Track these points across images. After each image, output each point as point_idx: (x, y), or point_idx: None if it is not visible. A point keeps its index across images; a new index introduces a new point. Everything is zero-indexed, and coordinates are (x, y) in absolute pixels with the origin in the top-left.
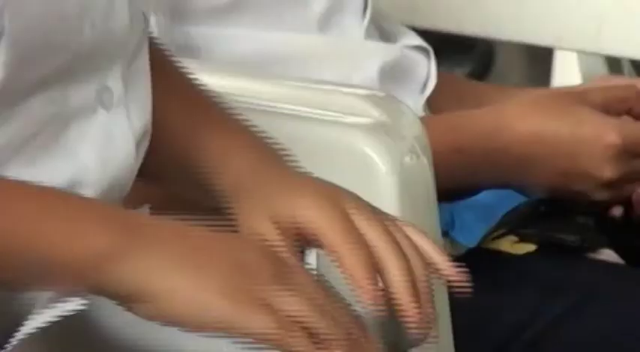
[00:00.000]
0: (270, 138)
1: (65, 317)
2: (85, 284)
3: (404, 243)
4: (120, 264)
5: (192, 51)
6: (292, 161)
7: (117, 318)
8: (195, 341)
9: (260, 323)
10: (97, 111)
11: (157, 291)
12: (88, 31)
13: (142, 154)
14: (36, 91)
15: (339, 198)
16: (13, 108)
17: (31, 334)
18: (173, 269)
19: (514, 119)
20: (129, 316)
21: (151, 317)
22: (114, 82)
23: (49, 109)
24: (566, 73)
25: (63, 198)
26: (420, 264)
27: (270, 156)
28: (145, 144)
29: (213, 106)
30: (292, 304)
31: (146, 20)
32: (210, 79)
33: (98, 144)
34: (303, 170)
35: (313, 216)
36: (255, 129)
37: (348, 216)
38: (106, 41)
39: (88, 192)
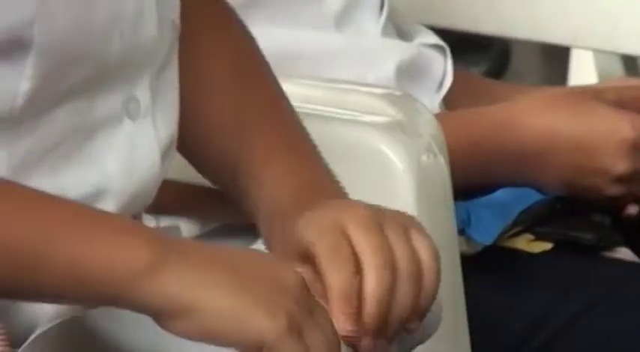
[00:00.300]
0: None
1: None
2: (121, 299)
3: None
4: (158, 278)
5: None
6: (336, 182)
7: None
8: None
9: (292, 348)
10: (123, 121)
11: (195, 306)
12: (117, 41)
13: (167, 164)
14: (62, 102)
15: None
16: (39, 118)
17: (43, 333)
18: (212, 284)
19: (528, 114)
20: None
21: (185, 333)
22: (141, 92)
23: (75, 119)
24: (583, 72)
25: (99, 214)
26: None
27: (311, 184)
28: (171, 154)
29: (268, 116)
30: (316, 338)
31: (175, 28)
32: None
33: (123, 154)
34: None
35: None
36: (308, 144)
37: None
38: (134, 51)
39: (112, 201)
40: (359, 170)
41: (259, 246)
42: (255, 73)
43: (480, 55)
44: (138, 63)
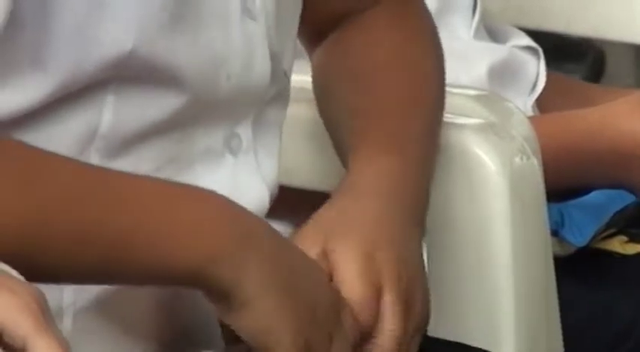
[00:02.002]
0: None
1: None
2: (189, 279)
3: None
4: (223, 260)
5: None
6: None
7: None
8: None
9: None
10: (225, 156)
11: (244, 298)
12: (224, 82)
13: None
14: (158, 132)
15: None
16: (129, 149)
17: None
18: (263, 283)
19: (621, 118)
20: None
21: (235, 325)
22: (244, 129)
23: (171, 150)
24: None
25: (181, 189)
26: None
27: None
28: (274, 194)
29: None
30: None
31: (286, 78)
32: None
33: (226, 188)
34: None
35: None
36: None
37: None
38: (241, 94)
39: None
40: (452, 172)
41: None
42: (415, 68)
43: (575, 64)
44: (243, 103)
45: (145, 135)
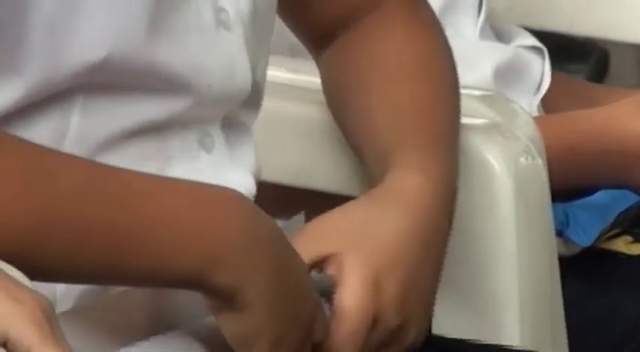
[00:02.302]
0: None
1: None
2: (191, 281)
3: None
4: (224, 264)
5: None
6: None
7: None
8: None
9: None
10: (200, 154)
11: (241, 304)
12: (205, 91)
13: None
14: (133, 136)
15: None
16: (102, 152)
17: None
18: (259, 284)
19: (626, 118)
20: None
21: (225, 326)
22: (215, 129)
23: (144, 152)
24: None
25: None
26: None
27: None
28: (258, 178)
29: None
30: None
31: (260, 88)
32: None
33: (207, 180)
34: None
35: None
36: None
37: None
38: (221, 101)
39: None
40: None
41: None
42: (427, 71)
43: (579, 63)
44: (221, 108)
45: (118, 140)
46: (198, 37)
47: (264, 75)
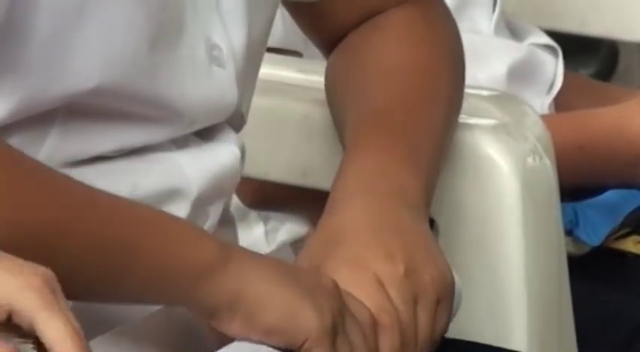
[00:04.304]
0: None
1: None
2: (184, 296)
3: None
4: (220, 273)
5: None
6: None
7: None
8: None
9: (333, 346)
10: (180, 155)
11: (253, 300)
12: (186, 124)
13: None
14: (108, 158)
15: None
16: (71, 170)
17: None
18: (268, 281)
19: (636, 117)
20: None
21: (240, 330)
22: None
23: (120, 169)
24: None
25: (159, 213)
26: None
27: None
28: (244, 152)
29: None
30: (356, 338)
31: (242, 118)
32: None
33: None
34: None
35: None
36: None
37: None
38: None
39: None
40: (464, 172)
41: None
42: (424, 69)
43: (588, 58)
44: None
45: (89, 160)
46: (190, 73)
47: (248, 105)
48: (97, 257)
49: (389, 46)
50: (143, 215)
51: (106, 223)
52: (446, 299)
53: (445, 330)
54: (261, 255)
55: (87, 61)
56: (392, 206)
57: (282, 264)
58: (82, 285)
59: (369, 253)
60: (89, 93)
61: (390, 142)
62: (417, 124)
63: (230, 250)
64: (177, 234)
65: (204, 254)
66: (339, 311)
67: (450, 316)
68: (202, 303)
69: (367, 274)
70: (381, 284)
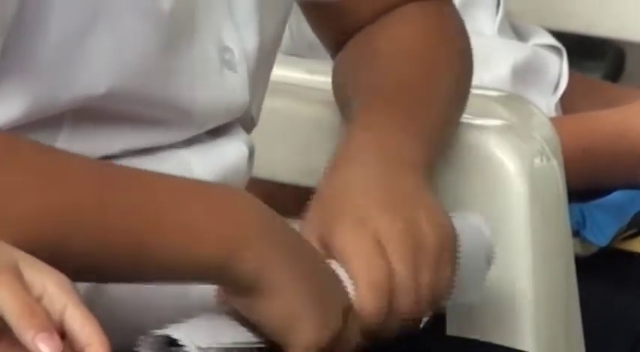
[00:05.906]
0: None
1: None
2: (214, 272)
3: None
4: (246, 252)
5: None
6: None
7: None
8: None
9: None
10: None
11: (266, 284)
12: (198, 126)
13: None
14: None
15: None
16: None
17: None
18: (288, 267)
19: (639, 119)
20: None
21: (262, 313)
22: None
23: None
24: None
25: (200, 185)
26: None
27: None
28: (253, 150)
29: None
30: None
31: (252, 120)
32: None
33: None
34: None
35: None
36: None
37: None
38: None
39: None
40: (471, 173)
41: None
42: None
43: (594, 62)
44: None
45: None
46: (202, 76)
47: (259, 108)
48: (112, 244)
49: (401, 38)
50: (171, 195)
51: (123, 211)
52: (447, 250)
53: (450, 283)
54: (284, 231)
55: (99, 65)
56: (393, 168)
57: (309, 256)
58: (101, 268)
59: (368, 210)
60: (100, 97)
61: (393, 111)
62: (422, 98)
63: (264, 231)
64: (207, 206)
65: (229, 235)
66: (340, 322)
67: (453, 267)
68: (230, 278)
69: (366, 231)
70: (378, 242)
